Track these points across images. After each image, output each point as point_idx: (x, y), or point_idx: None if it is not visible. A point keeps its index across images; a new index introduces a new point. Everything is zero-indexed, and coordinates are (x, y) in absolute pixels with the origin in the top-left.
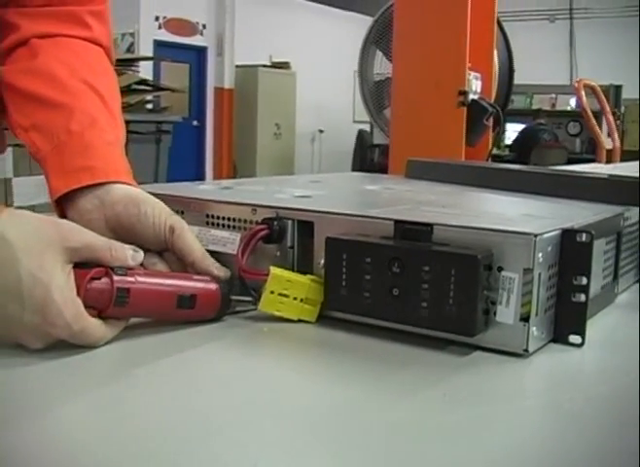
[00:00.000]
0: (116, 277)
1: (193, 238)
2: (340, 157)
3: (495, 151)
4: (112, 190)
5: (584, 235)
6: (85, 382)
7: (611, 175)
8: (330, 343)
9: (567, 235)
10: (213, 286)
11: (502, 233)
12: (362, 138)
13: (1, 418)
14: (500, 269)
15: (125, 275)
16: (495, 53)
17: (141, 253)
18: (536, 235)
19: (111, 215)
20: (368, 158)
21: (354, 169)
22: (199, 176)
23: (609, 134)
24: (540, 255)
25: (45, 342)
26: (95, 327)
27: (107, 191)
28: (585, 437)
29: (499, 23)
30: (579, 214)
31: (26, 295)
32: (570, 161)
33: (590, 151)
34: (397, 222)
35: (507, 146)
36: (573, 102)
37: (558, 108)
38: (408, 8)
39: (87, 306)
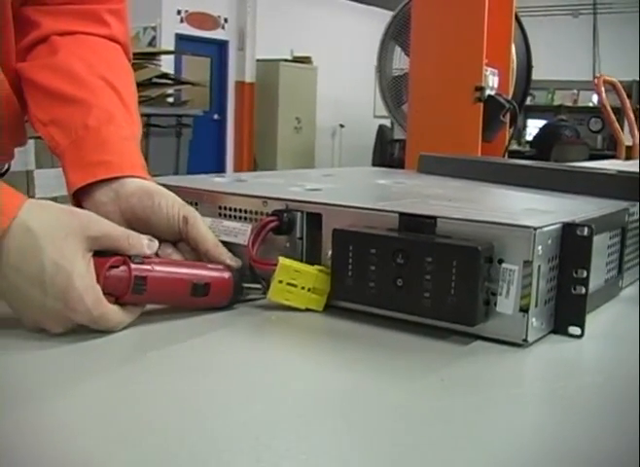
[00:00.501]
0: (133, 265)
1: (205, 228)
2: (361, 151)
3: (516, 147)
4: (126, 183)
5: (584, 229)
6: (100, 364)
7: (619, 171)
8: (336, 331)
9: (568, 229)
10: (226, 274)
11: (503, 226)
12: (382, 133)
13: (20, 396)
14: (501, 261)
15: (143, 264)
16: (513, 48)
17: (156, 242)
18: (535, 229)
19: (126, 207)
20: (388, 152)
21: (374, 164)
22: (220, 170)
23: (630, 131)
24: (539, 248)
25: (65, 327)
26: (114, 313)
27: (122, 184)
28: (579, 424)
29: (517, 19)
30: (583, 209)
31: (49, 282)
32: (591, 158)
33: (612, 147)
34: (402, 214)
35: (527, 142)
36: (595, 98)
37: (580, 104)
38: (427, 3)
39: (105, 293)
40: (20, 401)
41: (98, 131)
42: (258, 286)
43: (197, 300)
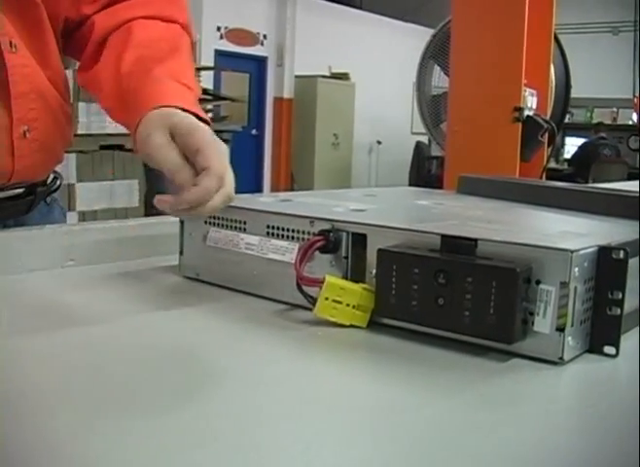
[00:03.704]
0: None
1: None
2: (398, 168)
3: (554, 165)
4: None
5: (620, 252)
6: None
7: None
8: (379, 347)
9: (603, 252)
10: None
11: (541, 248)
12: (420, 150)
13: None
14: (538, 282)
15: None
16: (552, 69)
17: None
18: (572, 252)
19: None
20: (425, 169)
21: (411, 181)
22: (257, 185)
23: None
24: (576, 270)
25: None
26: None
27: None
28: (610, 440)
29: (556, 39)
30: (619, 232)
31: None
32: (630, 177)
33: None
34: (443, 236)
35: (566, 160)
36: (635, 116)
37: (620, 122)
38: (466, 24)
39: None
40: None
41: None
42: None
43: None
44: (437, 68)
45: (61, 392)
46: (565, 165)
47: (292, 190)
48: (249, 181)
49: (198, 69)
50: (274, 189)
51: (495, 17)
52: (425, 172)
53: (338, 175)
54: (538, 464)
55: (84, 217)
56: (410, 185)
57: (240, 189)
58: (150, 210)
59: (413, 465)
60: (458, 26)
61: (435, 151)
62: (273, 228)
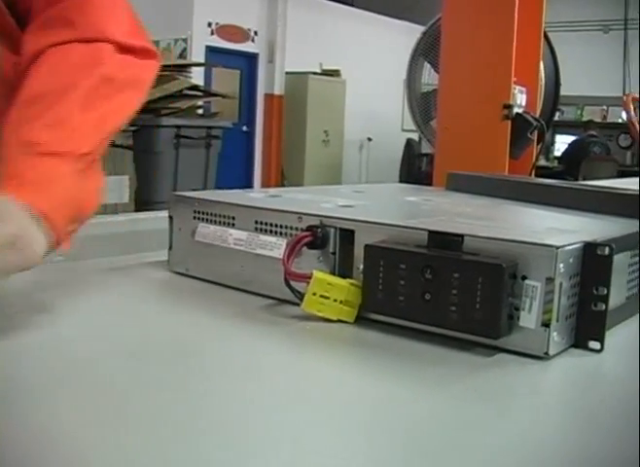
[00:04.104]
0: None
1: None
2: (388, 165)
3: (544, 163)
4: None
5: (605, 249)
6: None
7: None
8: (366, 342)
9: (589, 248)
10: None
11: (527, 244)
12: (410, 147)
13: None
14: (524, 277)
15: None
16: (542, 66)
17: None
18: (558, 248)
19: None
20: (415, 166)
21: (402, 177)
22: (247, 182)
23: None
24: (561, 266)
25: None
26: None
27: None
28: (594, 433)
29: (546, 37)
30: (605, 228)
31: None
32: (620, 174)
33: None
34: (430, 232)
35: (556, 158)
36: (624, 115)
37: (610, 120)
38: (456, 21)
39: None
40: None
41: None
42: None
43: None
44: (427, 65)
45: (46, 386)
46: (555, 163)
47: (282, 186)
48: (239, 177)
49: (189, 65)
50: (265, 185)
51: (485, 15)
52: (415, 169)
53: (329, 172)
54: (524, 456)
55: None
56: (401, 182)
57: (230, 185)
58: (140, 206)
59: (401, 458)
60: (448, 24)
61: (425, 148)
62: (262, 223)
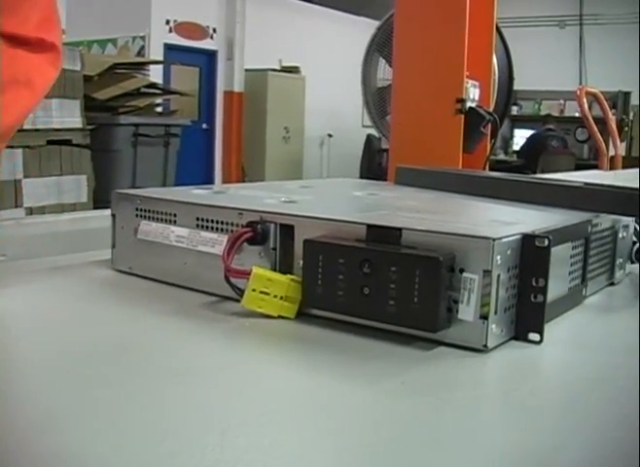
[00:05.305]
0: None
1: None
2: (349, 161)
3: (503, 157)
4: None
5: (543, 240)
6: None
7: (586, 184)
8: (306, 338)
9: (527, 240)
10: None
11: (463, 236)
12: (370, 143)
13: None
14: (462, 270)
15: None
16: (495, 61)
17: None
18: (494, 240)
19: None
20: (376, 162)
21: (362, 173)
22: (208, 179)
23: (612, 142)
24: (498, 258)
25: None
26: None
27: None
28: (532, 424)
29: (499, 31)
30: (548, 220)
31: None
32: (577, 168)
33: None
34: (369, 226)
35: (515, 152)
36: (579, 108)
37: (567, 114)
38: (408, 16)
39: None
40: None
41: None
42: None
43: None
44: (382, 61)
45: None
46: (514, 157)
47: (243, 183)
48: (200, 175)
49: (147, 63)
50: (225, 182)
51: (437, 9)
52: (376, 165)
53: (290, 168)
54: (461, 449)
55: (31, 213)
56: (362, 177)
57: (191, 182)
58: (99, 205)
59: (335, 451)
60: (400, 18)
61: (384, 144)
62: (203, 220)
